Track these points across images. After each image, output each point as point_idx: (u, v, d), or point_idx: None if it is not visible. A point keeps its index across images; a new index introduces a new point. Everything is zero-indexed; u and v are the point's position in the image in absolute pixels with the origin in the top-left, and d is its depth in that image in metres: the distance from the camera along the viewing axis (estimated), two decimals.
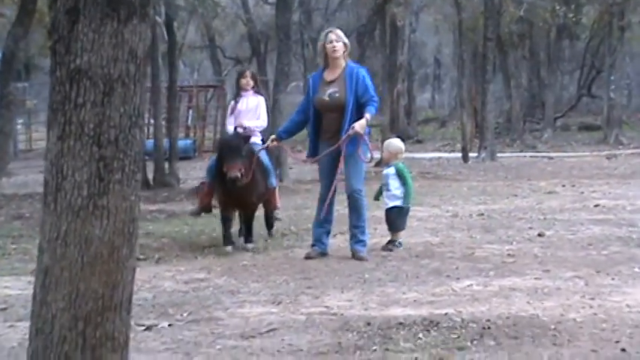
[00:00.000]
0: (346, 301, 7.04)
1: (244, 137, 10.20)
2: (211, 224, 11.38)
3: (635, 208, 13.15)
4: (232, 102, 11.14)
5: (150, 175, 20.48)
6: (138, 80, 3.68)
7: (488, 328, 5.98)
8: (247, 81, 10.90)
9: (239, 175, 9.51)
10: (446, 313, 6.40)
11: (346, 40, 9.45)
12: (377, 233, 10.39)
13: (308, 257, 9.21)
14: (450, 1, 31.68)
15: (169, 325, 6.40)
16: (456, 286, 7.49)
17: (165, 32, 23.13)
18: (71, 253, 3.58)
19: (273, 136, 9.90)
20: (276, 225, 11.22)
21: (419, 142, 38.24)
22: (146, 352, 5.68)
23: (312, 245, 9.42)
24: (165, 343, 5.92)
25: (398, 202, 9.83)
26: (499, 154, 28.37)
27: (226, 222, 10.09)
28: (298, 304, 6.98)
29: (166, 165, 21.62)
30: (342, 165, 9.15)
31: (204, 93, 39.40)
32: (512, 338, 5.74)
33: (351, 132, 9.00)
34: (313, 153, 9.50)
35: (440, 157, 29.46)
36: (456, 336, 5.81)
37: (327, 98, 9.24)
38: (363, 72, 9.33)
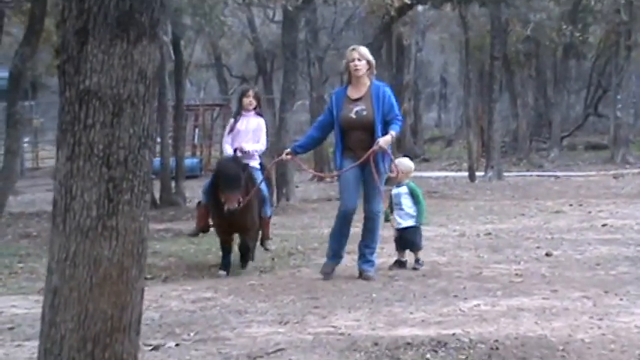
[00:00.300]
0: (354, 321, 7.02)
1: (244, 165, 9.89)
2: (217, 244, 11.35)
3: None
4: (232, 120, 10.81)
5: (156, 194, 20.48)
6: (147, 101, 3.68)
7: (497, 348, 5.95)
8: (250, 101, 10.52)
9: (237, 206, 9.35)
10: (454, 334, 6.38)
11: (370, 58, 9.35)
12: (384, 253, 10.37)
13: (325, 273, 9.15)
14: (457, 20, 31.74)
15: (176, 344, 6.38)
16: (464, 306, 7.47)
17: (172, 51, 23.19)
18: (80, 274, 3.58)
19: (288, 150, 9.84)
20: (283, 244, 11.19)
21: (425, 160, 38.22)
22: None
23: (330, 259, 9.33)
24: None
25: (411, 222, 9.83)
26: (506, 173, 28.34)
27: (224, 248, 9.97)
28: (305, 324, 6.96)
29: (173, 184, 21.62)
30: (378, 181, 9.10)
31: (211, 112, 39.45)
32: (521, 359, 5.72)
33: (375, 147, 8.95)
34: (340, 169, 9.37)
35: (446, 176, 29.43)
36: (464, 357, 5.79)
37: (354, 116, 9.16)
38: (388, 90, 9.31)
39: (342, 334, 6.57)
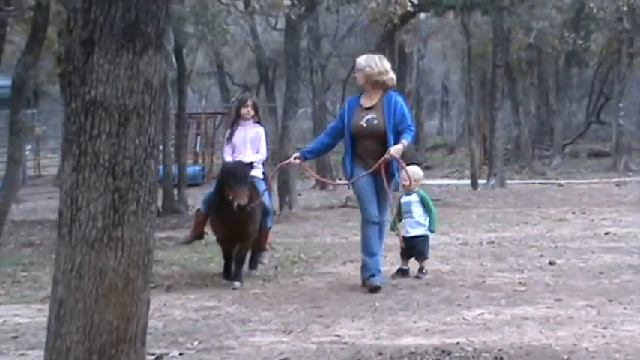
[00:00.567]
0: (357, 330, 7.02)
1: (249, 163, 9.77)
2: (220, 252, 11.33)
3: None
4: (229, 130, 10.62)
5: (159, 202, 20.45)
6: (153, 111, 3.69)
7: (501, 357, 5.95)
8: (248, 110, 10.32)
9: (247, 201, 9.20)
10: (458, 343, 6.38)
11: (375, 67, 9.29)
12: (387, 261, 10.35)
13: (375, 287, 8.84)
14: (459, 28, 31.72)
15: (180, 353, 6.38)
16: (468, 315, 7.47)
17: (174, 59, 23.19)
18: (86, 285, 3.58)
19: (297, 154, 9.78)
20: (286, 252, 11.16)
21: (427, 168, 38.14)
22: None
23: (372, 276, 8.99)
24: None
25: (422, 230, 9.83)
26: (508, 181, 28.30)
27: (226, 257, 9.93)
28: (309, 333, 6.96)
29: (175, 192, 21.62)
30: (389, 191, 9.10)
31: (213, 120, 39.45)
32: None
33: (387, 156, 8.95)
34: (350, 177, 9.30)
35: (449, 184, 29.39)
36: None
37: (364, 124, 9.13)
38: (400, 100, 9.27)
39: (345, 343, 6.57)
